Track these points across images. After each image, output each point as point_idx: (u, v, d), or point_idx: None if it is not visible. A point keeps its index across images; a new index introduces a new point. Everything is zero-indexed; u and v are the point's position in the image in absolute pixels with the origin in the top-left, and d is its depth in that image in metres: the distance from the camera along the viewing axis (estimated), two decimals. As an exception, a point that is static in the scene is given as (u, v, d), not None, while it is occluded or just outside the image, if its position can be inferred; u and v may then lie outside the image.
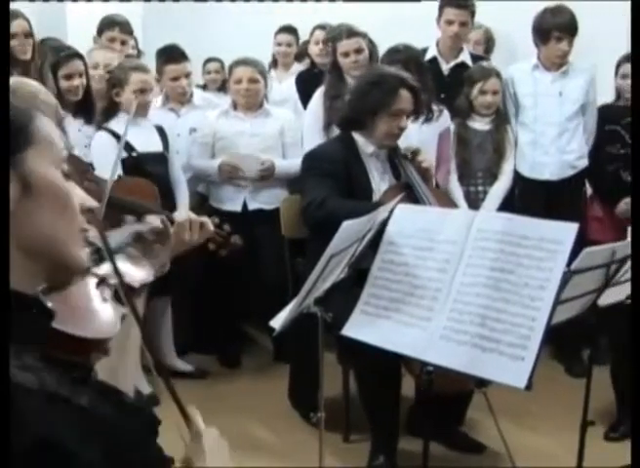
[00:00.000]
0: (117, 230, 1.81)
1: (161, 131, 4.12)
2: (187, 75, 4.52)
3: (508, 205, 4.30)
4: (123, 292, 1.39)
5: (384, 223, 2.59)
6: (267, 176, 4.27)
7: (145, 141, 3.99)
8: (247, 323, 4.68)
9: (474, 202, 4.30)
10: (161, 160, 4.05)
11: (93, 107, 4.04)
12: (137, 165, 3.86)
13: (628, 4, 4.86)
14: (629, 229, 2.96)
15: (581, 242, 2.96)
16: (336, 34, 4.27)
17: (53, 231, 1.16)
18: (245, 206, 4.34)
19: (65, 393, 1.07)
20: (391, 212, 2.61)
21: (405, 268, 2.46)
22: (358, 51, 4.22)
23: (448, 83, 4.47)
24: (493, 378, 2.24)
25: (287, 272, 3.82)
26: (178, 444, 1.44)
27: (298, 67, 5.40)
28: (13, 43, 3.84)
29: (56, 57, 3.92)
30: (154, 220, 1.90)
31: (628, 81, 4.45)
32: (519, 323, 2.17)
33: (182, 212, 4.02)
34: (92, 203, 1.29)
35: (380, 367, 2.98)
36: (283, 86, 5.26)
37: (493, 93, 4.31)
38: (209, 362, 4.45)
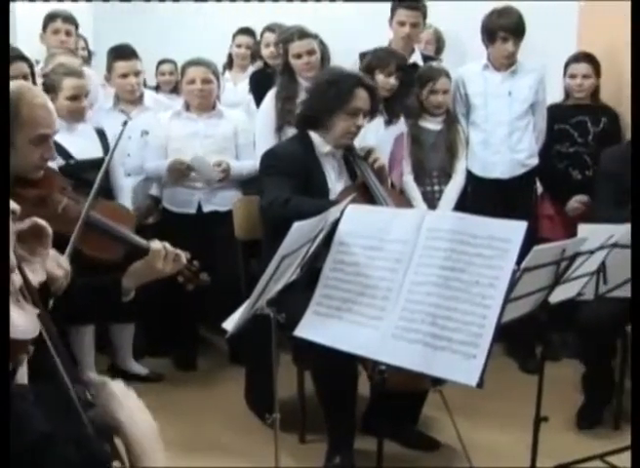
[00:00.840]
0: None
1: (102, 135, 4.05)
2: (137, 73, 4.48)
3: (461, 204, 4.35)
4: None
5: (337, 224, 2.60)
6: (224, 178, 4.25)
7: (84, 148, 3.93)
8: (202, 325, 4.66)
9: (431, 201, 4.33)
10: (100, 166, 3.98)
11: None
12: (74, 172, 3.72)
13: (576, 4, 4.97)
14: (579, 227, 3.00)
15: (533, 239, 3.00)
16: (287, 36, 4.26)
17: None
18: (199, 208, 4.33)
19: None
20: (343, 212, 2.61)
21: (356, 268, 2.47)
22: (310, 52, 4.23)
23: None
24: (444, 376, 2.25)
25: (241, 274, 3.82)
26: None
27: (253, 69, 5.38)
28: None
29: None
30: None
31: (577, 80, 4.53)
32: (470, 321, 2.18)
33: None
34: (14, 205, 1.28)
35: (335, 366, 2.98)
36: (238, 88, 5.25)
37: (443, 92, 4.34)
38: (164, 365, 4.43)
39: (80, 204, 3.01)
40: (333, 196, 3.43)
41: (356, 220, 2.55)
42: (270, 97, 4.25)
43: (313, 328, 2.48)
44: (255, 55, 5.22)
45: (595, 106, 4.59)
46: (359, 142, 3.71)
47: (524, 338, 4.38)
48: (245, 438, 3.62)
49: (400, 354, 2.27)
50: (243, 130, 4.40)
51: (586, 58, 4.55)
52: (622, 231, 2.87)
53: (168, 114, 4.41)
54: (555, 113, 4.58)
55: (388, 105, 4.25)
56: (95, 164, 3.84)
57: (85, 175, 3.69)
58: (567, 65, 4.59)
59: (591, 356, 3.75)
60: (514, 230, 2.21)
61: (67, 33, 4.75)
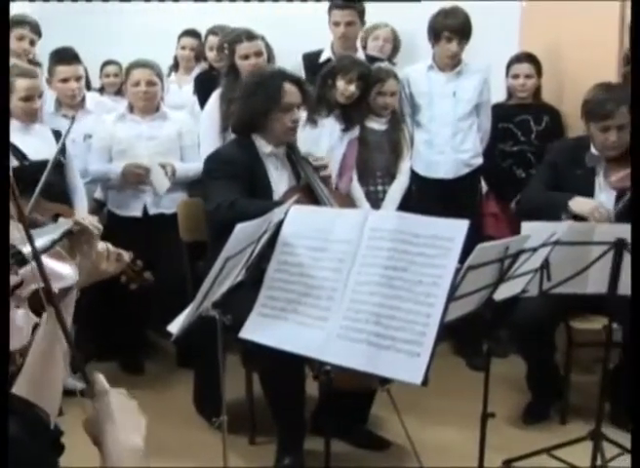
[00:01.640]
0: (43, 229, 1.76)
1: (59, 136, 4.01)
2: (78, 78, 4.41)
3: (406, 204, 4.37)
4: (45, 297, 1.36)
5: (281, 225, 2.59)
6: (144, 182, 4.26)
7: (39, 149, 3.89)
8: (149, 328, 4.62)
9: (375, 201, 4.33)
10: (56, 167, 3.95)
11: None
12: (29, 174, 3.71)
13: (518, 5, 5.03)
14: (523, 224, 3.03)
15: (478, 238, 3.02)
16: (234, 37, 4.24)
17: None
18: (145, 211, 4.30)
19: None
20: (287, 213, 2.61)
21: (300, 269, 2.46)
22: (258, 54, 4.21)
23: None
24: (389, 375, 2.26)
25: (187, 276, 3.79)
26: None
27: (199, 71, 5.35)
28: None
29: None
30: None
31: (519, 80, 4.59)
32: (414, 320, 2.18)
33: None
34: None
35: (282, 368, 2.98)
36: (183, 90, 5.22)
37: (391, 94, 4.35)
38: (111, 369, 4.38)
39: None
40: (277, 197, 3.43)
41: (300, 221, 2.54)
42: (215, 98, 4.22)
43: (258, 329, 2.48)
44: (199, 56, 5.19)
45: (537, 105, 4.66)
46: (309, 147, 3.72)
47: (471, 336, 4.42)
48: (194, 441, 3.61)
49: (345, 354, 2.27)
50: (187, 131, 4.38)
51: (528, 58, 4.61)
52: (565, 228, 2.92)
53: (112, 116, 4.38)
54: (498, 113, 4.63)
55: (347, 113, 4.26)
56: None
57: (40, 177, 3.67)
58: (509, 66, 4.65)
59: (530, 353, 3.80)
60: (456, 229, 2.22)
61: (32, 43, 4.69)
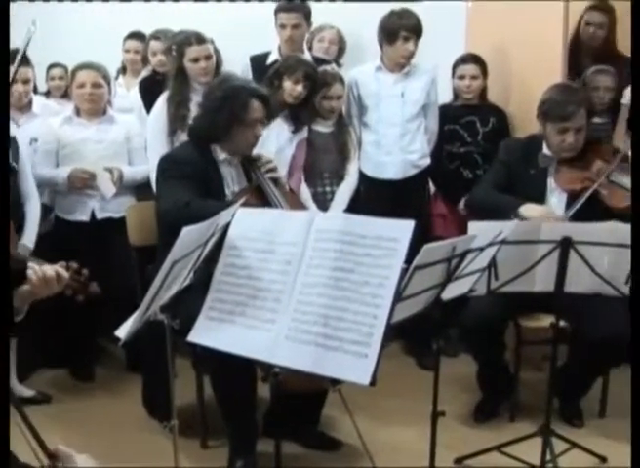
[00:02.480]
0: None
1: (13, 142, 3.91)
2: (25, 81, 4.37)
3: (354, 205, 4.38)
4: None
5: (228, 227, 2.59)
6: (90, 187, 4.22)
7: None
8: (98, 334, 4.58)
9: (322, 203, 4.33)
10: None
11: None
12: None
13: (464, 6, 5.07)
14: (470, 224, 3.06)
15: (426, 238, 3.04)
16: (183, 39, 4.20)
17: None
18: (93, 215, 4.26)
19: None
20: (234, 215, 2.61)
21: (248, 271, 2.47)
22: (207, 57, 4.19)
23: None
24: (337, 376, 2.27)
25: (136, 280, 3.77)
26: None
27: (145, 74, 5.31)
28: None
29: None
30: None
31: (465, 81, 4.62)
32: (361, 321, 2.20)
33: (30, 234, 3.92)
34: None
35: (232, 370, 2.97)
36: (131, 93, 5.16)
37: (337, 98, 4.35)
38: (61, 376, 4.34)
39: None
40: (229, 199, 3.41)
41: (246, 223, 2.54)
42: (162, 101, 4.19)
43: (207, 332, 2.47)
44: (145, 59, 5.14)
45: (484, 106, 4.68)
46: (258, 149, 3.71)
47: (421, 336, 4.44)
48: (146, 445, 3.58)
49: (293, 356, 2.28)
50: (135, 134, 4.35)
51: (474, 58, 4.64)
52: (511, 227, 2.95)
53: (58, 120, 4.32)
54: (445, 114, 4.65)
55: (295, 113, 4.27)
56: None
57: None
58: (455, 67, 4.66)
59: (479, 352, 3.83)
60: (402, 229, 2.24)
61: None
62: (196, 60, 4.16)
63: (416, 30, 4.34)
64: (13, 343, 3.97)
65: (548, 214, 3.63)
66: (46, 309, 4.09)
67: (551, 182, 3.80)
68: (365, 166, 4.53)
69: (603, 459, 3.39)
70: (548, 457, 3.25)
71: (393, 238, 2.23)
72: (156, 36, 4.91)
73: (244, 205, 2.71)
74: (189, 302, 2.65)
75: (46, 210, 4.35)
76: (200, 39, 4.18)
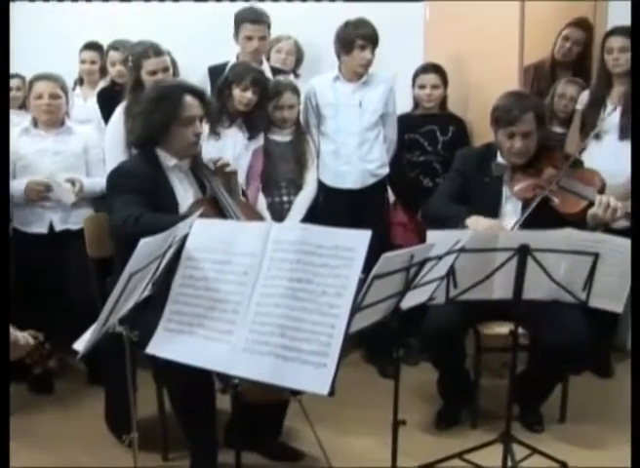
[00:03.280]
0: None
1: None
2: None
3: (314, 214, 4.39)
4: None
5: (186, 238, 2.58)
6: (47, 198, 4.19)
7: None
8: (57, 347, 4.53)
9: (279, 212, 4.33)
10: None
11: None
12: None
13: (422, 17, 5.11)
14: (428, 233, 3.08)
15: (387, 247, 3.05)
16: (141, 51, 4.18)
17: None
18: (51, 227, 4.22)
19: None
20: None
21: (205, 283, 2.45)
22: (165, 69, 4.17)
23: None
24: (296, 387, 2.26)
25: (95, 292, 3.74)
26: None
27: (103, 85, 5.28)
28: None
29: None
30: None
31: (426, 90, 4.65)
32: (319, 331, 2.19)
33: None
34: None
35: (191, 382, 2.96)
36: (88, 104, 5.14)
37: (289, 107, 4.36)
38: (20, 390, 4.29)
39: None
40: (183, 210, 3.39)
41: (203, 235, 2.53)
42: (119, 113, 4.17)
43: (165, 344, 2.46)
44: (103, 70, 5.12)
45: (443, 115, 4.72)
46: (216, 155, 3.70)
47: (382, 345, 4.45)
48: (107, 459, 3.55)
49: (251, 367, 2.27)
50: (93, 146, 4.32)
51: (434, 68, 4.68)
52: (469, 236, 2.97)
53: (16, 131, 4.27)
54: (405, 123, 4.68)
55: (249, 121, 4.26)
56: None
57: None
58: (415, 76, 4.70)
59: (440, 360, 3.85)
60: (359, 239, 2.24)
61: None
62: (153, 73, 4.15)
63: (372, 39, 4.36)
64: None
65: (491, 226, 3.63)
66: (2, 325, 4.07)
67: (506, 191, 3.84)
68: (324, 175, 4.54)
69: (563, 464, 3.41)
70: (509, 463, 3.27)
71: (350, 248, 2.23)
72: (115, 46, 4.90)
73: (200, 216, 2.70)
74: (148, 314, 2.63)
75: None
76: (157, 51, 4.16)
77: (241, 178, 3.97)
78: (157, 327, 2.53)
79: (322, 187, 4.53)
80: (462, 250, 2.90)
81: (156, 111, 3.41)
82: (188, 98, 3.45)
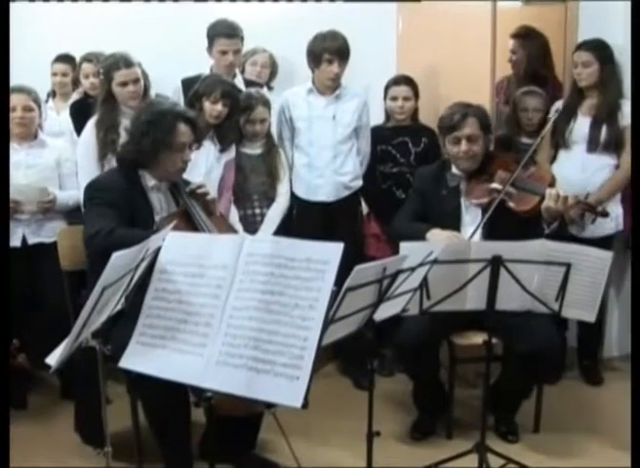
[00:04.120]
0: None
1: None
2: None
3: (288, 226, 4.40)
4: None
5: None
6: (49, 209, 4.15)
7: None
8: (31, 361, 4.50)
9: (252, 225, 4.33)
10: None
11: None
12: None
13: (394, 30, 5.14)
14: (401, 245, 3.09)
15: (360, 259, 3.06)
16: (112, 63, 4.17)
17: None
18: (24, 240, 4.19)
19: None
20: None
21: (178, 296, 2.46)
22: (136, 81, 4.16)
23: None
24: (269, 399, 2.26)
25: (69, 305, 3.73)
26: None
27: (76, 97, 5.26)
28: None
29: None
30: None
31: (398, 102, 4.66)
32: (291, 343, 2.20)
33: None
34: None
35: (165, 396, 2.95)
36: (61, 116, 5.12)
37: (260, 121, 4.36)
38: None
39: None
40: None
41: (176, 248, 2.53)
42: (91, 125, 4.15)
43: (138, 358, 2.46)
44: (76, 82, 5.10)
45: (415, 127, 4.73)
46: (187, 172, 3.69)
47: (356, 356, 4.46)
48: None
49: (224, 380, 2.27)
50: (66, 159, 4.30)
51: (406, 80, 4.69)
52: (442, 247, 2.98)
53: (-12, 144, 4.26)
54: (377, 135, 4.69)
55: (220, 133, 4.26)
56: None
57: None
58: (387, 88, 4.71)
59: (414, 371, 3.86)
60: (331, 252, 2.24)
61: None
62: (124, 84, 4.14)
63: (339, 52, 4.37)
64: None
65: (451, 237, 3.67)
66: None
67: (464, 201, 3.87)
68: (298, 188, 4.55)
69: (538, 473, 3.45)
70: (485, 473, 3.30)
71: (322, 260, 2.24)
72: (88, 58, 4.88)
73: (173, 229, 2.70)
74: (121, 328, 2.64)
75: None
76: (128, 63, 4.16)
77: (213, 191, 3.97)
78: (130, 340, 2.52)
79: (296, 200, 4.54)
80: (435, 261, 2.92)
81: (147, 136, 3.40)
82: (182, 126, 3.45)
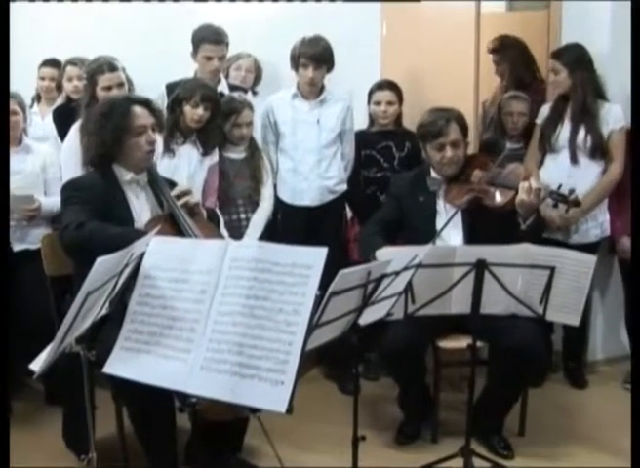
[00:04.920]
0: None
1: None
2: None
3: (272, 231, 4.40)
4: None
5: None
6: (34, 217, 4.13)
7: None
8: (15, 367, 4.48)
9: (237, 230, 4.32)
10: None
11: None
12: None
13: (379, 35, 5.15)
14: (385, 249, 3.10)
15: (345, 263, 3.06)
16: (96, 67, 4.17)
17: None
18: (10, 247, 4.18)
19: None
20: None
21: (162, 301, 2.46)
22: (120, 85, 4.16)
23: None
24: (254, 405, 2.25)
25: (53, 311, 3.71)
26: None
27: (60, 102, 5.24)
28: None
29: None
30: None
31: (382, 107, 4.67)
32: (276, 348, 2.20)
33: None
34: None
35: (150, 401, 2.93)
36: (46, 121, 5.10)
37: (246, 125, 4.38)
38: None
39: None
40: (139, 226, 3.36)
41: (160, 253, 2.53)
42: (75, 130, 4.12)
43: (122, 363, 2.45)
44: (60, 86, 5.08)
45: (399, 132, 4.74)
46: (172, 174, 3.68)
47: (342, 361, 4.46)
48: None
49: (209, 385, 2.27)
50: (51, 164, 4.28)
51: (389, 85, 4.70)
52: (426, 252, 2.99)
53: (-28, 149, 4.24)
54: (361, 140, 4.70)
55: (202, 137, 4.25)
56: None
57: None
58: (371, 93, 4.72)
59: (400, 375, 3.85)
60: (315, 256, 2.25)
61: None
62: (108, 88, 4.13)
63: (314, 58, 4.38)
64: None
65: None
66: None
67: (442, 205, 3.89)
68: (282, 192, 4.57)
69: (523, 478, 3.46)
70: (470, 477, 3.31)
71: (306, 265, 2.24)
72: (73, 62, 4.87)
73: (157, 233, 2.69)
74: (105, 333, 2.63)
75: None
76: (112, 67, 4.15)
77: (197, 195, 3.96)
78: (114, 346, 2.52)
79: (280, 204, 4.55)
80: (420, 265, 2.92)
81: (107, 126, 3.39)
82: (137, 109, 3.44)
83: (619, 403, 4.27)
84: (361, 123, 4.79)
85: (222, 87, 4.61)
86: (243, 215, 4.40)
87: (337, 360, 4.54)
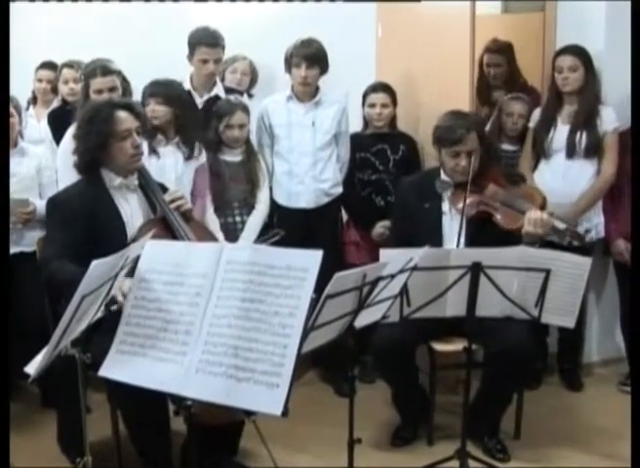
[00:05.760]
0: None
1: None
2: None
3: (268, 233, 4.38)
4: None
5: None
6: (29, 220, 4.13)
7: None
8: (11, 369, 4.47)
9: (232, 232, 4.33)
10: None
11: None
12: None
13: (374, 38, 5.16)
14: (381, 251, 3.11)
15: (340, 266, 3.06)
16: (90, 70, 4.17)
17: None
18: (5, 250, 4.18)
19: None
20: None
21: (158, 304, 2.45)
22: (112, 89, 4.15)
23: (202, 116, 4.46)
24: (249, 407, 2.26)
25: (48, 314, 3.71)
26: None
27: (55, 104, 5.23)
28: None
29: None
30: None
31: (376, 109, 4.67)
32: (271, 351, 2.20)
33: None
34: None
35: (145, 404, 2.94)
36: (42, 124, 5.09)
37: (239, 127, 4.37)
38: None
39: None
40: (131, 229, 3.37)
41: (155, 256, 2.53)
42: (70, 134, 4.11)
43: (117, 367, 2.45)
44: (55, 89, 5.07)
45: (394, 134, 4.74)
46: (159, 177, 3.67)
47: (337, 363, 4.45)
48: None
49: (204, 388, 2.27)
50: (46, 167, 4.26)
51: (384, 87, 4.70)
52: (421, 254, 2.99)
53: (-33, 152, 4.23)
54: (356, 142, 4.70)
55: (182, 137, 4.22)
56: None
57: None
58: (365, 95, 4.72)
59: (392, 377, 3.86)
60: (310, 259, 2.24)
61: None
62: (100, 92, 4.13)
63: (306, 57, 4.38)
64: None
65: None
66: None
67: (448, 211, 3.89)
68: (278, 195, 4.56)
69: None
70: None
71: (302, 268, 2.24)
72: (69, 65, 4.86)
73: (151, 237, 2.69)
74: (100, 336, 2.63)
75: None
76: (105, 71, 4.14)
77: (186, 197, 3.95)
78: (110, 349, 2.52)
79: (276, 207, 4.55)
80: (415, 268, 2.92)
81: (91, 131, 3.39)
82: (120, 113, 3.42)
83: (614, 405, 4.28)
84: (356, 125, 4.79)
85: (218, 90, 4.60)
86: (238, 218, 4.40)
87: (332, 362, 4.54)
